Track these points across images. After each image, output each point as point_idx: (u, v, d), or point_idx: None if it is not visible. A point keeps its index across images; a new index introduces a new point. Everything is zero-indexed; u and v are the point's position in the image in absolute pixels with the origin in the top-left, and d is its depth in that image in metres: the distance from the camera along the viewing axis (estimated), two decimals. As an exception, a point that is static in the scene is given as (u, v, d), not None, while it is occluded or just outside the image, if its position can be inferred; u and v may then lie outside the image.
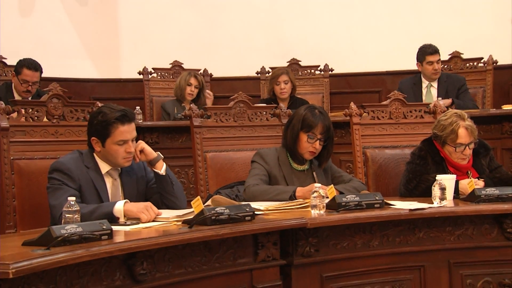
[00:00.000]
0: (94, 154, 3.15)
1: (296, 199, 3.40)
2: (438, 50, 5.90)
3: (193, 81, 6.01)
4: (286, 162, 3.68)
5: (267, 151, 3.72)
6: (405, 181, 3.77)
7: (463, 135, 3.69)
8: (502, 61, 6.36)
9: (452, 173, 3.69)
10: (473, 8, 6.99)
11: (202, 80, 6.11)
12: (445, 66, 6.30)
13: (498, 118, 5.19)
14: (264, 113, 4.22)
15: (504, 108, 5.32)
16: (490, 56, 6.40)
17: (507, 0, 6.82)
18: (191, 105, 4.19)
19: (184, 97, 5.99)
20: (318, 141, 3.61)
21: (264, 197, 3.45)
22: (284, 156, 3.70)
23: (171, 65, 6.80)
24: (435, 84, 5.88)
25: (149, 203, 2.99)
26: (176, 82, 6.15)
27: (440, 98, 5.42)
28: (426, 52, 5.87)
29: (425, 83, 5.91)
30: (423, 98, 5.82)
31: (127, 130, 3.10)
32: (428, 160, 3.76)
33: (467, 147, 3.71)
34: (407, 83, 5.98)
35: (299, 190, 3.45)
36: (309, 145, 3.61)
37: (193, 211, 2.88)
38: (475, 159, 3.80)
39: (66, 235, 2.39)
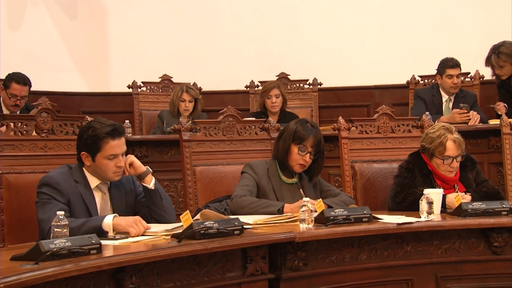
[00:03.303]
0: (84, 168, 3.16)
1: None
2: (460, 64, 5.87)
3: (186, 96, 5.94)
4: (275, 174, 3.70)
5: (257, 162, 3.75)
6: (393, 194, 3.80)
7: (451, 148, 3.73)
8: (488, 76, 6.42)
9: (440, 186, 3.73)
10: (460, 24, 7.08)
11: (195, 93, 6.05)
12: (432, 81, 6.35)
13: (485, 133, 5.22)
14: (253, 127, 4.24)
15: (490, 123, 5.36)
16: (477, 71, 6.47)
17: (493, 16, 6.91)
18: (180, 119, 4.20)
19: (177, 112, 5.94)
20: (308, 154, 3.63)
21: (251, 209, 3.46)
22: (274, 168, 3.71)
23: (160, 79, 6.81)
24: (453, 98, 5.88)
25: (138, 217, 2.99)
26: (171, 95, 6.12)
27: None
28: (447, 65, 5.83)
29: (444, 97, 5.89)
30: (443, 110, 5.84)
31: (118, 145, 3.11)
32: (416, 173, 3.80)
33: (454, 159, 3.75)
34: (426, 93, 5.96)
35: (287, 207, 3.46)
36: (300, 157, 3.64)
37: (182, 225, 2.88)
38: (462, 173, 3.84)
39: (55, 249, 2.39)
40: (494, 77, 5.63)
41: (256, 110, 6.40)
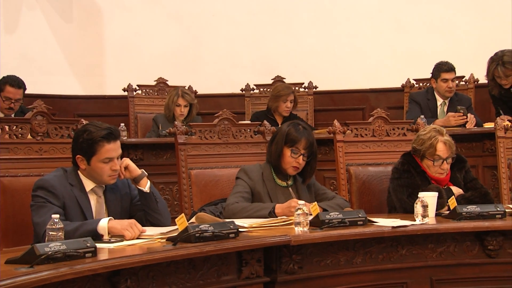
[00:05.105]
0: (79, 172, 3.16)
1: (275, 216, 3.43)
2: (454, 68, 5.86)
3: (181, 101, 5.93)
4: (270, 178, 3.71)
5: (251, 167, 3.75)
6: (407, 195, 3.73)
7: (441, 149, 3.78)
8: (483, 79, 6.44)
9: (433, 186, 3.77)
10: (455, 28, 7.10)
11: (191, 98, 6.03)
12: (428, 85, 6.37)
13: (479, 136, 5.23)
14: (249, 130, 4.24)
15: (485, 126, 5.37)
16: (472, 74, 6.49)
17: (488, 20, 6.94)
18: (175, 122, 4.20)
19: (173, 117, 5.93)
20: (301, 156, 3.64)
21: (243, 214, 3.46)
22: (268, 172, 3.72)
23: (155, 82, 6.81)
24: (448, 102, 5.88)
25: (133, 220, 2.99)
26: (166, 99, 6.12)
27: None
28: (442, 69, 5.83)
29: (439, 100, 5.89)
30: (438, 114, 5.84)
31: (113, 148, 3.11)
32: (412, 172, 3.81)
33: (445, 161, 3.78)
34: (420, 96, 5.94)
35: (278, 207, 3.47)
36: (293, 160, 3.64)
37: (177, 228, 2.88)
38: (451, 174, 3.87)
39: (50, 253, 2.39)
40: (498, 90, 5.38)
41: (259, 111, 6.35)
